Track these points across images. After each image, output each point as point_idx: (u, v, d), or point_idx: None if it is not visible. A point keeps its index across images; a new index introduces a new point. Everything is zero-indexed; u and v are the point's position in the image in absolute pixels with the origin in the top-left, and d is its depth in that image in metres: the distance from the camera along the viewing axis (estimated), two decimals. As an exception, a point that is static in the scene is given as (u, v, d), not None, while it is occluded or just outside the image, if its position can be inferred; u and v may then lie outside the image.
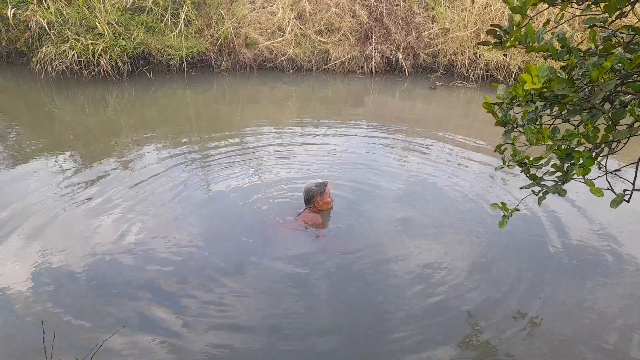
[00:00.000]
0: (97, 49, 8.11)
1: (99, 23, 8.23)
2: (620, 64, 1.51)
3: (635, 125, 1.45)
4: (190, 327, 2.58)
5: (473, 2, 9.18)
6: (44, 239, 3.41)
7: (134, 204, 3.95)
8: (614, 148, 1.49)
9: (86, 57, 8.13)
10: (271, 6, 9.63)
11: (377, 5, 9.41)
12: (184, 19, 8.99)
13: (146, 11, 8.92)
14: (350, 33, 9.58)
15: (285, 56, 9.40)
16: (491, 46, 1.73)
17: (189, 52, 8.92)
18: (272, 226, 3.65)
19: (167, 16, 8.98)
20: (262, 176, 4.13)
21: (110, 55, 8.26)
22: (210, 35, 9.11)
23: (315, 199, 3.72)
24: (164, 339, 2.49)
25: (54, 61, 8.07)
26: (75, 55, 8.08)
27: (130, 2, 8.78)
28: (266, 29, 9.48)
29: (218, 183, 4.43)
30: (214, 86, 8.53)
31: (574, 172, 1.40)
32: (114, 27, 8.42)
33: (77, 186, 4.25)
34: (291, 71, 9.48)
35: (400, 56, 9.36)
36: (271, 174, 4.63)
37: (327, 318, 2.71)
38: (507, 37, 1.67)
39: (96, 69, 8.23)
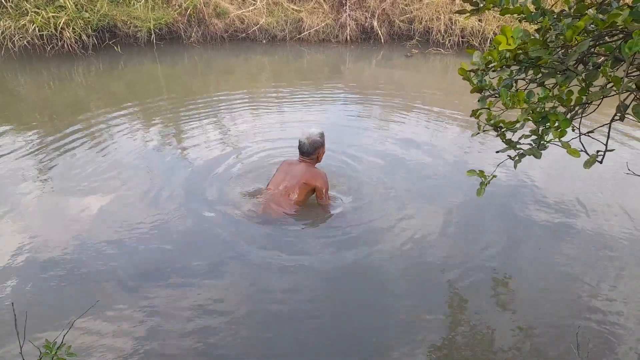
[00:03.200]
0: (59, 22, 7.72)
1: (59, -6, 7.81)
2: (593, 25, 1.50)
3: (608, 86, 1.46)
4: (168, 306, 2.56)
5: (447, -33, 9.04)
6: (12, 220, 3.31)
7: (105, 182, 3.85)
8: (587, 110, 1.50)
9: (48, 31, 7.74)
10: (241, -27, 9.29)
11: (350, -30, 9.18)
12: (150, -12, 8.61)
13: (109, -19, 8.50)
14: (324, 0, 9.36)
15: (258, 26, 9.15)
16: (468, 14, 1.70)
17: (156, 23, 8.58)
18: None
19: (131, -14, 8.58)
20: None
21: (74, 29, 7.89)
22: (178, 5, 8.77)
23: (318, 151, 3.41)
24: (142, 317, 2.47)
25: (14, 36, 7.66)
26: (37, 29, 7.69)
27: (92, -29, 8.35)
28: (237, -2, 9.18)
29: (194, 158, 4.35)
30: (185, 59, 8.27)
31: (550, 135, 1.40)
32: (76, -2, 8.02)
33: (44, 165, 4.11)
34: (264, 41, 9.25)
35: (375, 23, 9.22)
36: (249, 147, 4.56)
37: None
38: (484, 2, 1.64)
39: (59, 44, 7.86)
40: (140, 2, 8.60)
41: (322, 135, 3.40)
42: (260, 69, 7.86)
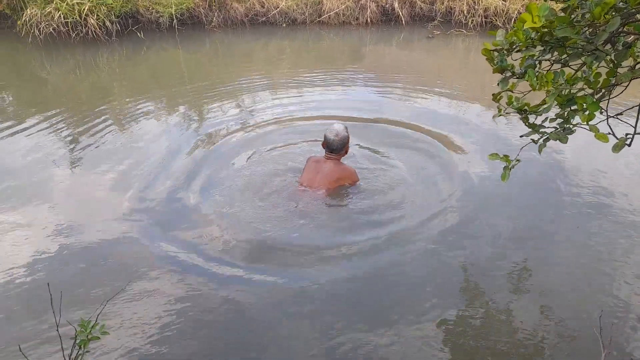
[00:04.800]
0: (84, 9, 7.83)
1: (82, -19, 7.90)
2: (623, 3, 1.45)
3: (637, 67, 1.41)
4: (197, 290, 2.63)
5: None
6: (43, 205, 3.42)
7: (131, 168, 3.92)
8: (614, 92, 1.46)
9: (73, 18, 7.87)
10: (261, -44, 9.21)
11: (371, -50, 9.00)
12: (171, -27, 8.63)
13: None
14: (344, -18, 9.22)
15: (278, 9, 9.09)
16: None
17: (178, 8, 8.63)
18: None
19: (153, -29, 8.62)
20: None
21: (98, 15, 8.00)
22: (199, -10, 8.78)
23: (347, 146, 3.38)
24: (171, 300, 2.54)
25: (40, 23, 7.81)
26: (62, 16, 7.82)
27: (114, -43, 8.40)
28: (257, -19, 9.12)
29: (219, 146, 4.34)
30: (206, 44, 8.30)
31: (577, 118, 1.37)
32: (99, -16, 8.10)
33: (73, 150, 4.22)
34: (284, 25, 9.20)
35: (396, 5, 9.05)
36: (271, 135, 4.55)
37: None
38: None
39: (84, 30, 7.98)
40: (161, -13, 8.64)
41: (347, 129, 3.37)
42: (280, 53, 7.83)
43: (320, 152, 3.54)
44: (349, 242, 3.00)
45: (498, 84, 1.66)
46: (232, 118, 4.98)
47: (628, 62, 1.52)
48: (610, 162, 3.86)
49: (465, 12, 8.78)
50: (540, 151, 1.63)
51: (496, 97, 1.67)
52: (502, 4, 8.53)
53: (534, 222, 3.22)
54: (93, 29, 7.97)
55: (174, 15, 8.59)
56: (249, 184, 3.60)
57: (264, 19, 9.19)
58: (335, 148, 3.33)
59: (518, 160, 1.69)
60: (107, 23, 8.08)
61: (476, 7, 8.72)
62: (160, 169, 3.90)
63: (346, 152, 3.43)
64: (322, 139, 3.40)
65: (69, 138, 4.50)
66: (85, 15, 7.88)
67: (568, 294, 2.57)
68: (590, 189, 3.53)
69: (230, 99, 5.61)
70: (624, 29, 1.59)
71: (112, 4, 8.11)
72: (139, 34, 8.39)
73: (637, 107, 1.40)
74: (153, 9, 8.62)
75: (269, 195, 3.44)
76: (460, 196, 3.47)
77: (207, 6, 8.91)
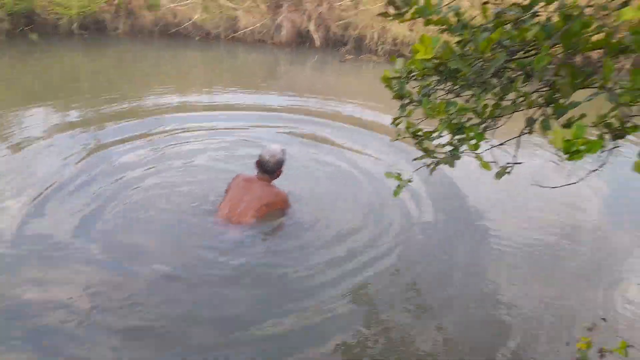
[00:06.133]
0: (-35, 3, 7.01)
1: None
2: (508, 40, 1.56)
3: (519, 101, 1.52)
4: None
5: (382, -24, 9.28)
6: None
7: (19, 186, 3.43)
8: (499, 123, 1.56)
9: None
10: (174, -34, 8.94)
11: (288, -28, 9.15)
12: (74, -27, 8.04)
13: (27, -38, 7.83)
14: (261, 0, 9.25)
15: (191, 21, 8.85)
16: (391, 17, 1.71)
17: (80, 11, 8.03)
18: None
19: (52, -31, 7.96)
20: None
21: (-17, 11, 7.19)
22: (105, -6, 8.28)
23: (280, 169, 3.22)
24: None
25: None
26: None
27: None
28: (169, -9, 8.82)
29: (117, 164, 3.91)
30: (110, 51, 7.80)
31: (465, 146, 1.44)
32: (-14, -22, 7.31)
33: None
34: (197, 38, 8.96)
35: (311, 27, 9.25)
36: (179, 154, 4.25)
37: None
38: (407, 9, 1.66)
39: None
40: (61, -13, 8.01)
41: (284, 152, 3.22)
42: (191, 67, 7.59)
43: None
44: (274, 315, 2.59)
45: (398, 109, 1.70)
46: (133, 135, 4.55)
47: (512, 96, 1.63)
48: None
49: (376, 39, 9.20)
50: (430, 173, 1.71)
51: (395, 122, 1.72)
52: (409, 34, 9.07)
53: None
54: (-24, 25, 7.15)
55: (75, 19, 7.98)
56: (152, 217, 3.22)
57: (175, 29, 8.89)
58: (269, 169, 3.17)
59: (410, 180, 1.75)
60: (-6, 20, 7.30)
61: (385, 35, 9.18)
62: (35, 193, 3.36)
63: (278, 176, 3.27)
64: (257, 157, 3.20)
65: None
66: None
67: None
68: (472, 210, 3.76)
69: (132, 113, 5.20)
70: (509, 65, 1.72)
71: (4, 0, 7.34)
72: (32, 35, 7.64)
73: (517, 139, 1.50)
74: (52, 10, 7.93)
75: (177, 232, 3.09)
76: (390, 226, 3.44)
77: (113, 12, 8.42)
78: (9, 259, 2.70)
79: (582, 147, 1.08)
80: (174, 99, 5.86)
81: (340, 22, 9.32)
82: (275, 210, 3.24)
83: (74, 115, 4.96)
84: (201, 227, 3.13)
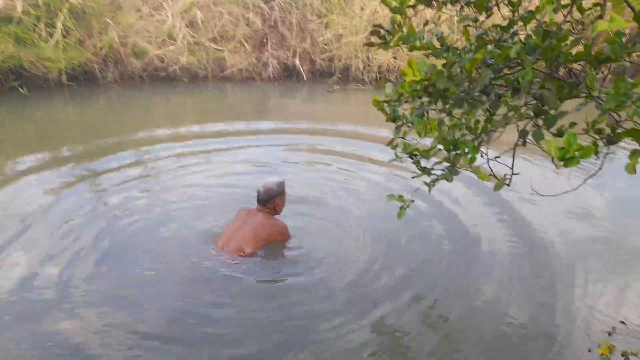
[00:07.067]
0: (-45, 63, 7.10)
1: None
2: (492, 59, 1.63)
3: (509, 115, 1.57)
4: None
5: (362, 9, 9.59)
6: None
7: (16, 240, 3.39)
8: (493, 137, 1.60)
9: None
10: (160, 14, 9.17)
11: (270, 13, 9.43)
12: (62, 29, 8.20)
13: (15, 21, 7.98)
14: (246, 40, 9.47)
15: (179, 66, 9.02)
16: (377, 47, 1.78)
17: (68, 63, 8.16)
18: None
19: (40, 26, 8.11)
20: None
21: (-27, 70, 7.28)
22: (93, 45, 8.43)
23: (275, 200, 3.25)
24: None
25: None
26: None
27: (-6, 10, 7.82)
28: (156, 38, 9.00)
29: (116, 209, 3.89)
30: (100, 100, 7.90)
31: (461, 161, 1.48)
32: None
33: None
34: (185, 80, 9.11)
35: (297, 62, 9.46)
36: (177, 189, 4.33)
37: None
38: (391, 37, 1.73)
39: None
40: (50, 43, 8.15)
41: (280, 184, 3.25)
42: (181, 107, 7.70)
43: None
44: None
45: (394, 132, 1.75)
46: (131, 179, 4.59)
47: (503, 110, 1.69)
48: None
49: (361, 68, 9.43)
50: (429, 190, 1.75)
51: (391, 144, 1.76)
52: (394, 61, 9.31)
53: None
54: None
55: (63, 71, 8.10)
56: (148, 249, 3.30)
57: (163, 74, 9.04)
58: (261, 200, 3.24)
59: (412, 200, 1.78)
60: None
61: (371, 64, 9.41)
62: (60, 241, 3.36)
63: (276, 209, 3.30)
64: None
65: None
66: (-43, 69, 7.14)
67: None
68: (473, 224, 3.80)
69: (127, 158, 5.22)
70: (496, 82, 1.78)
71: (-10, 58, 7.46)
72: (21, 89, 7.71)
73: (512, 150, 1.54)
74: (40, 64, 8.05)
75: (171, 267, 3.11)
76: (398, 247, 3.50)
77: (101, 61, 8.57)
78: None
79: (577, 153, 1.12)
80: (167, 132, 6.03)
81: (325, 55, 9.56)
82: (274, 241, 3.25)
83: (66, 162, 4.96)
84: (198, 258, 3.16)
